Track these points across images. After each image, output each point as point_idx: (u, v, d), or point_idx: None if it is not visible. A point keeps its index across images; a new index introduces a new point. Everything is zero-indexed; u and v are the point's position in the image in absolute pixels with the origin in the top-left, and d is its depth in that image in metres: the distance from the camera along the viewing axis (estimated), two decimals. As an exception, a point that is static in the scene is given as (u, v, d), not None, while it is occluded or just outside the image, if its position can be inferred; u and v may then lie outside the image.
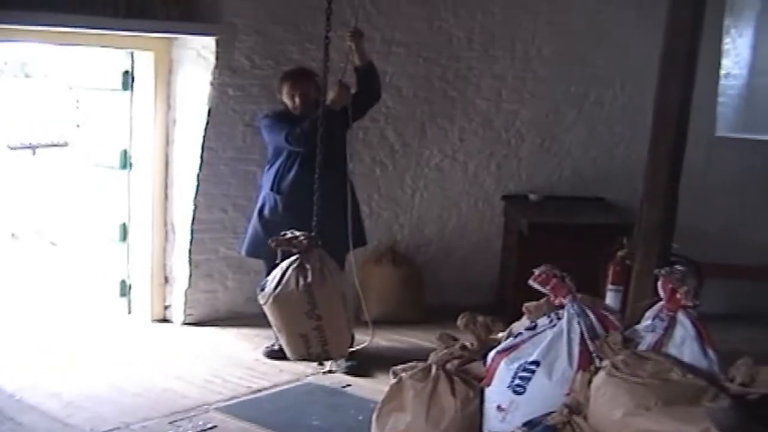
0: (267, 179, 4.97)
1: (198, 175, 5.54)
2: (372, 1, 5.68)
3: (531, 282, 3.66)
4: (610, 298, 4.78)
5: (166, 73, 5.51)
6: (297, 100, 4.86)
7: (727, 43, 6.52)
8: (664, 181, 4.23)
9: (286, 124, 4.80)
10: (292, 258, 4.00)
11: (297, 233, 4.05)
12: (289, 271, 3.97)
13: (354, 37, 4.72)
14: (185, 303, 5.78)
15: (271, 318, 4.11)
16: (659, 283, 3.61)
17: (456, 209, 6.46)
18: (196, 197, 5.59)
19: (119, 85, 5.52)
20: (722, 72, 6.58)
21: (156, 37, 5.33)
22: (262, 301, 4.06)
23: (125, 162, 5.66)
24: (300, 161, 4.83)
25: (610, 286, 4.88)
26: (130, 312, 5.89)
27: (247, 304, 5.78)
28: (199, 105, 5.44)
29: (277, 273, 4.01)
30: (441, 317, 5.16)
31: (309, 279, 3.93)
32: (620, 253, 4.94)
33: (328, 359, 4.57)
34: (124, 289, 5.87)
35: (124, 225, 5.78)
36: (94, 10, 4.76)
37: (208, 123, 5.43)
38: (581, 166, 6.63)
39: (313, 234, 4.08)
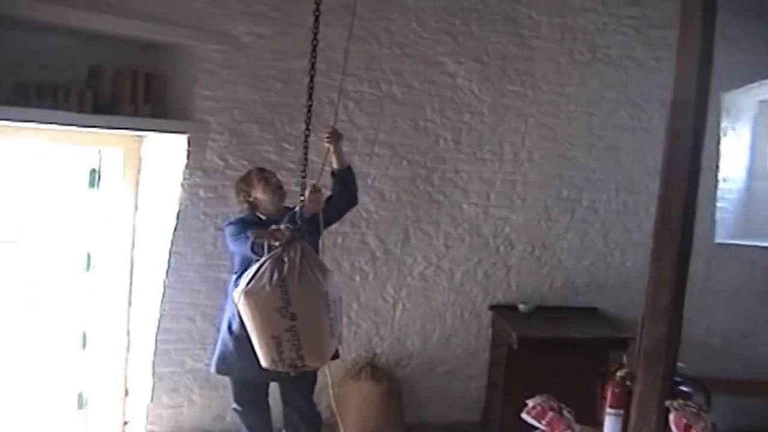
0: None
1: (164, 282, 5.17)
2: (355, 100, 5.42)
3: (524, 416, 3.27)
4: (610, 424, 4.31)
5: (134, 171, 5.21)
6: (275, 180, 4.54)
7: (724, 146, 6.35)
8: (668, 295, 3.88)
9: (252, 231, 4.46)
10: (273, 252, 3.67)
11: (281, 225, 3.77)
12: (266, 264, 3.63)
13: (332, 139, 4.38)
14: (147, 418, 5.33)
15: (245, 318, 3.75)
16: (672, 418, 3.21)
17: (440, 320, 6.09)
18: (161, 305, 5.20)
19: (85, 183, 5.19)
20: (720, 176, 6.37)
21: (126, 134, 5.02)
22: (236, 299, 3.73)
23: (87, 264, 5.28)
24: None
25: (609, 410, 4.42)
26: (86, 427, 5.40)
27: (216, 422, 5.40)
28: (168, 206, 5.11)
29: (254, 266, 3.70)
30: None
31: (284, 272, 3.56)
32: (620, 373, 4.53)
33: (303, 367, 3.86)
34: (81, 402, 5.40)
35: (83, 332, 5.36)
36: (58, 105, 4.45)
37: (176, 226, 5.10)
38: (573, 275, 6.35)
39: (297, 225, 3.75)
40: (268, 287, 3.58)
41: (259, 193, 4.56)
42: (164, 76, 5.01)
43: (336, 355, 4.56)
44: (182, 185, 5.04)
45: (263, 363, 3.79)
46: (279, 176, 4.67)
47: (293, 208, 4.12)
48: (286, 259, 3.60)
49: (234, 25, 4.96)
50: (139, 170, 5.24)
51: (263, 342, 3.69)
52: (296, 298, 3.58)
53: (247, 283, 3.62)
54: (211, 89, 4.99)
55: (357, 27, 4.12)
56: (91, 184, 5.19)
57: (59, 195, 5.18)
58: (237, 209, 4.86)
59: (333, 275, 3.86)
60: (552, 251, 6.25)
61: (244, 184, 4.63)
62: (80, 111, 4.53)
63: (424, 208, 5.86)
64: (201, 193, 5.12)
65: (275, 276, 3.57)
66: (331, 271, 3.87)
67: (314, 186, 4.14)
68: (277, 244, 3.68)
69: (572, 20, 5.82)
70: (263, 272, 3.60)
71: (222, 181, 5.15)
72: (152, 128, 4.91)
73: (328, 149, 4.38)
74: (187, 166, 5.01)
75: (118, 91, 4.73)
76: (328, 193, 4.51)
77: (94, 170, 5.17)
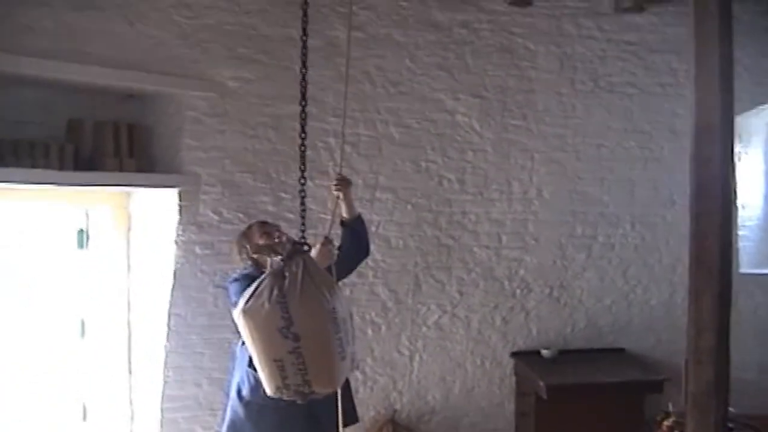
0: (243, 353, 4.19)
1: (165, 346, 4.82)
2: (351, 143, 5.15)
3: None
4: (663, 475, 3.94)
5: (124, 229, 4.92)
6: (278, 235, 4.14)
7: (739, 171, 6.05)
8: (712, 337, 3.48)
9: None
10: (275, 267, 3.25)
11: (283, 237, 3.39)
12: (266, 280, 3.20)
13: (341, 186, 4.04)
14: (157, 495, 4.92)
15: (245, 340, 3.31)
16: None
17: (460, 371, 5.70)
18: (164, 371, 4.85)
19: (74, 244, 4.89)
20: (739, 203, 6.04)
21: (111, 191, 4.75)
22: (235, 318, 3.29)
23: (82, 331, 4.94)
24: None
25: (661, 462, 4.05)
26: None
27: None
28: (162, 266, 4.81)
29: (254, 284, 3.26)
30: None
31: (285, 288, 3.14)
32: (667, 423, 4.16)
33: (311, 394, 3.32)
34: (82, 483, 5.01)
35: (83, 404, 4.99)
36: (36, 162, 4.18)
37: (174, 286, 4.78)
38: (596, 315, 5.97)
39: (301, 237, 3.33)
40: (267, 305, 3.15)
41: (252, 246, 4.24)
42: (148, 127, 4.78)
43: (355, 418, 4.19)
44: (176, 242, 4.74)
45: (268, 391, 3.34)
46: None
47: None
48: (287, 273, 3.20)
49: (218, 70, 4.76)
50: (129, 228, 4.95)
51: (265, 366, 3.26)
52: (298, 317, 3.15)
53: (246, 301, 3.22)
54: (199, 139, 4.75)
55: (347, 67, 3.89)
56: (80, 244, 4.88)
57: (46, 258, 4.89)
58: (239, 265, 4.55)
59: (340, 290, 3.42)
60: (571, 291, 5.89)
61: (246, 240, 4.29)
62: (61, 168, 4.26)
63: (434, 254, 5.54)
64: (197, 249, 4.82)
65: (275, 292, 3.15)
66: (339, 286, 3.45)
67: (325, 238, 3.79)
68: (278, 258, 3.30)
69: (570, 49, 5.61)
70: (262, 289, 3.19)
71: (218, 236, 4.85)
72: (139, 183, 4.64)
73: (337, 197, 4.06)
74: (179, 222, 4.73)
75: (100, 144, 4.47)
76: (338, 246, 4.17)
77: (81, 230, 4.88)
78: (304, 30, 3.36)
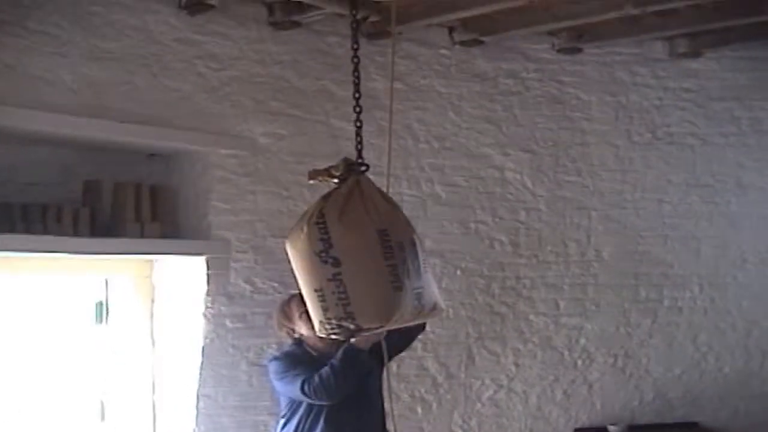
0: (285, 384, 3.73)
1: (194, 431, 4.21)
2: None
3: None
4: None
5: (147, 301, 4.36)
6: None
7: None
8: None
9: (302, 368, 3.64)
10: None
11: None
12: (314, 203, 2.83)
13: None
14: None
15: (296, 275, 2.86)
16: None
17: (520, 451, 5.04)
18: (194, 458, 4.24)
19: (92, 318, 4.33)
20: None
21: (132, 258, 4.22)
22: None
23: (102, 414, 4.35)
24: (326, 416, 3.65)
25: None
26: None
27: None
28: (190, 341, 4.23)
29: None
30: None
31: (325, 209, 2.73)
32: None
33: (356, 330, 2.76)
34: None
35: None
36: (48, 228, 3.64)
37: (202, 363, 4.19)
38: (665, 387, 5.33)
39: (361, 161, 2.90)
40: (305, 228, 2.72)
41: (303, 329, 3.71)
42: (172, 189, 4.28)
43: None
44: (205, 315, 4.17)
45: (317, 331, 2.84)
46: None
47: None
48: (333, 193, 2.80)
49: (248, 126, 4.28)
50: (152, 300, 4.38)
51: (310, 301, 2.78)
52: (338, 238, 2.68)
53: (292, 228, 2.83)
54: (228, 201, 4.24)
55: (388, 120, 3.42)
56: (98, 318, 4.33)
57: (61, 334, 4.34)
58: (273, 340, 4.03)
59: (400, 211, 2.91)
60: (637, 361, 5.25)
61: (285, 318, 3.82)
62: (75, 234, 3.71)
63: (487, 323, 4.97)
64: (227, 323, 4.24)
65: (315, 213, 2.73)
66: (398, 206, 2.93)
67: None
68: (335, 181, 2.85)
69: (625, 98, 5.14)
70: (306, 211, 2.80)
71: (251, 307, 4.29)
72: (163, 251, 4.11)
73: None
74: (208, 293, 4.17)
75: (120, 208, 3.93)
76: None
77: (100, 303, 4.33)
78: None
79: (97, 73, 3.84)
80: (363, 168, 2.87)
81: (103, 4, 3.87)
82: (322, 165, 3.06)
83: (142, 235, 3.97)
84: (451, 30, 4.74)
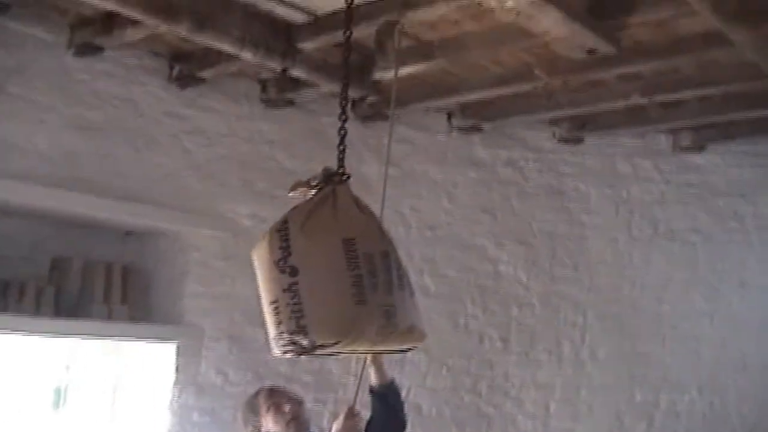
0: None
1: None
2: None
3: None
4: None
5: (109, 389, 4.15)
6: (289, 408, 3.35)
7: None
8: None
9: None
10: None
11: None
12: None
13: None
14: None
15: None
16: None
17: None
18: None
19: (49, 404, 4.09)
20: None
21: (96, 342, 4.00)
22: None
23: None
24: None
25: None
26: None
27: None
28: (154, 435, 3.98)
29: None
30: None
31: (291, 214, 2.50)
32: None
33: (312, 348, 2.43)
34: None
35: None
36: (8, 306, 3.42)
37: (168, 460, 3.95)
38: (661, 497, 5.08)
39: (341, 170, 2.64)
40: (267, 236, 2.51)
41: (270, 425, 3.41)
42: (146, 270, 4.10)
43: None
44: (170, 406, 3.95)
45: (271, 351, 2.55)
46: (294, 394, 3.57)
47: None
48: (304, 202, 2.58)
49: (232, 206, 4.13)
50: (115, 387, 4.17)
51: (267, 316, 2.51)
52: (297, 245, 2.45)
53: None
54: (205, 285, 4.06)
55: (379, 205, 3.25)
56: (56, 404, 4.08)
57: (15, 422, 4.06)
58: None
59: (375, 221, 2.63)
60: (630, 468, 5.02)
61: (251, 412, 3.47)
62: (37, 314, 3.50)
63: (472, 425, 4.76)
64: (195, 416, 4.02)
65: (280, 221, 2.51)
66: (374, 216, 2.64)
67: (349, 409, 3.12)
68: (312, 192, 2.62)
69: (625, 191, 5.02)
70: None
71: (221, 400, 4.06)
72: (130, 335, 3.91)
73: (365, 360, 3.27)
74: (176, 383, 3.96)
75: (88, 288, 3.74)
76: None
77: (59, 388, 4.08)
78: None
79: (77, 143, 3.69)
80: (342, 177, 2.63)
81: (90, 73, 3.75)
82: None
83: (109, 318, 3.78)
84: (449, 115, 4.67)
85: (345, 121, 2.72)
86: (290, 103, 4.17)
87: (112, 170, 3.76)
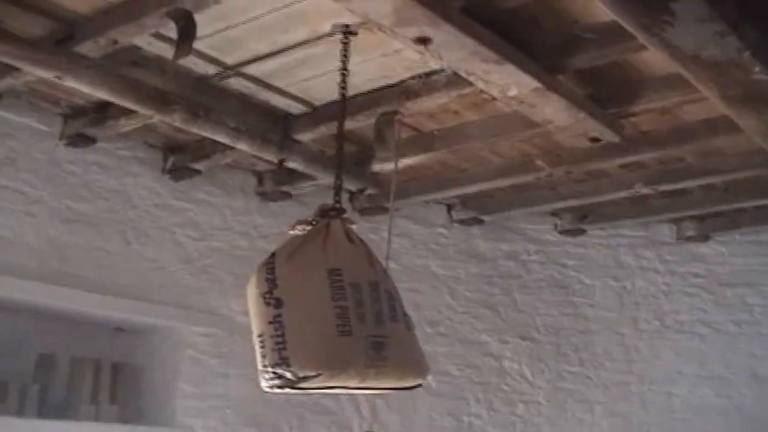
0: None
1: None
2: (385, 401, 4.33)
3: None
4: None
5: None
6: None
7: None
8: None
9: None
10: None
11: None
12: None
13: None
14: None
15: None
16: None
17: None
18: None
19: None
20: None
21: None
22: None
23: None
24: None
25: None
26: None
27: None
28: None
29: None
30: None
31: (280, 247, 2.52)
32: None
33: (297, 380, 2.34)
34: None
35: None
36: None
37: None
38: None
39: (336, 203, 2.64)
40: (257, 270, 2.51)
41: None
42: (136, 368, 3.92)
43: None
44: None
45: (261, 383, 2.48)
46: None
47: None
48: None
49: (226, 302, 3.98)
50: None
51: (256, 350, 2.48)
52: (283, 277, 2.43)
53: None
54: (198, 384, 3.89)
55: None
56: None
57: None
58: None
59: (364, 251, 2.56)
60: None
61: None
62: (20, 414, 3.34)
63: None
64: None
65: (269, 255, 2.52)
66: (364, 245, 2.57)
67: None
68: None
69: (630, 283, 4.88)
70: None
71: (215, 506, 3.85)
72: (120, 437, 3.70)
73: None
74: (168, 488, 3.75)
75: (76, 386, 3.58)
76: None
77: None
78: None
79: (66, 236, 3.58)
80: (337, 211, 2.61)
81: (81, 164, 3.67)
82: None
83: (96, 419, 3.61)
84: (449, 207, 4.60)
85: (341, 150, 2.75)
86: (287, 195, 4.08)
87: (102, 264, 3.64)
